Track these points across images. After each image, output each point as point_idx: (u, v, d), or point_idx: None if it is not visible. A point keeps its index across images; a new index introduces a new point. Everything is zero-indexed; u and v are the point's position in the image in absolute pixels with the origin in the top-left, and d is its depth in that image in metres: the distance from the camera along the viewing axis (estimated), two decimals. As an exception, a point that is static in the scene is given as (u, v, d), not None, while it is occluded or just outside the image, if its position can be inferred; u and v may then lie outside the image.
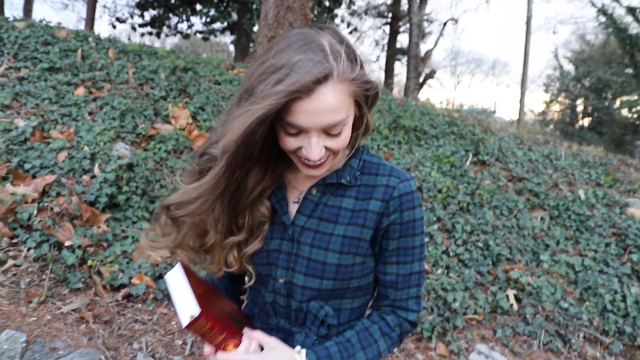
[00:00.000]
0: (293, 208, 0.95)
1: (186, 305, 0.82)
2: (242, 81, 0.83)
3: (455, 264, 3.23)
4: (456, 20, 19.16)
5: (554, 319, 2.88)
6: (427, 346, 2.50)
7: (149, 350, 2.02)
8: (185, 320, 0.80)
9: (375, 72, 0.95)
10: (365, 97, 0.85)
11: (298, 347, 0.88)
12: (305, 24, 6.03)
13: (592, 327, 2.87)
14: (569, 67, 25.60)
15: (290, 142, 0.82)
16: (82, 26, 15.27)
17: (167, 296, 2.43)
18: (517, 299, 3.02)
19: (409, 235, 0.92)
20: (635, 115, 20.51)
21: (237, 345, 0.86)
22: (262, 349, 0.88)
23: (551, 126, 26.00)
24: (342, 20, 16.81)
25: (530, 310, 2.90)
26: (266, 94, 0.75)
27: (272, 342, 0.88)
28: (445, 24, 18.66)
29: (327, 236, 0.90)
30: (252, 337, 0.88)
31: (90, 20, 14.42)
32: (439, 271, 3.11)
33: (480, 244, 3.43)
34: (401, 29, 17.72)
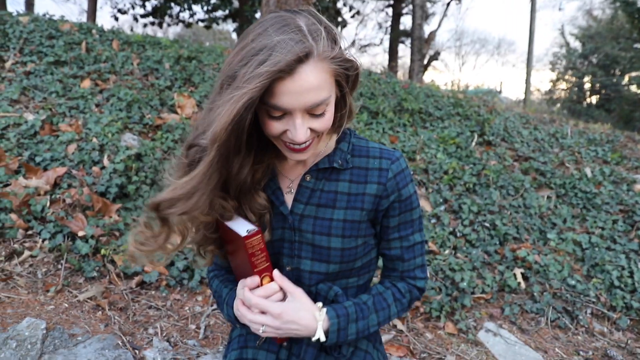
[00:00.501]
0: (289, 197, 0.96)
1: (243, 225, 0.89)
2: (222, 69, 0.82)
3: (463, 244, 3.26)
4: (460, 0, 18.89)
5: (562, 296, 2.91)
6: (435, 325, 2.54)
7: (164, 335, 2.08)
8: (243, 232, 0.84)
9: (355, 53, 0.97)
10: (346, 77, 0.85)
11: (319, 304, 0.91)
12: (281, 8, 6.02)
13: (600, 303, 2.90)
14: (576, 44, 25.20)
15: (274, 127, 0.82)
16: (84, 18, 15.26)
17: (180, 282, 2.49)
18: (525, 278, 3.05)
19: (407, 210, 0.96)
20: (644, 91, 20.21)
21: (271, 281, 0.90)
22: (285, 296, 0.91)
23: (558, 105, 25.71)
24: (345, 4, 16.65)
25: (538, 288, 2.93)
26: (249, 77, 0.74)
27: (297, 294, 0.90)
28: (448, 4, 18.42)
29: (327, 222, 0.93)
30: (282, 282, 0.91)
31: (92, 12, 14.38)
32: (447, 252, 3.14)
33: (487, 224, 3.45)
34: (404, 11, 17.51)
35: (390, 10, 18.67)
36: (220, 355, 1.97)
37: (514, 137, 4.97)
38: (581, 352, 2.50)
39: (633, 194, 4.17)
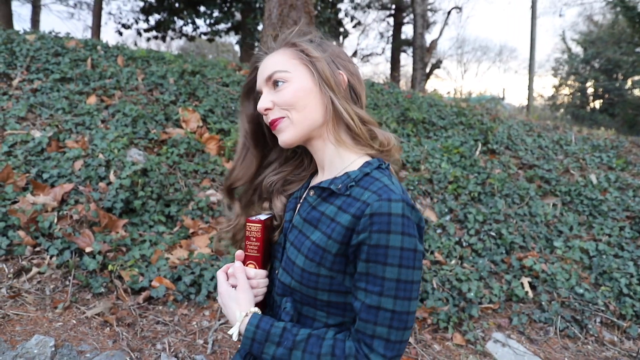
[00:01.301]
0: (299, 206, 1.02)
1: (262, 215, 1.03)
2: None
3: (469, 254, 3.25)
4: (460, 8, 18.99)
5: (570, 305, 2.89)
6: (443, 336, 2.53)
7: (172, 350, 2.08)
8: (251, 217, 1.01)
9: (357, 62, 1.04)
10: (314, 67, 0.94)
11: (255, 308, 0.92)
12: (283, 21, 6.07)
13: (609, 311, 2.88)
14: (577, 50, 25.22)
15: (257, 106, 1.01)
16: (88, 34, 15.45)
17: (187, 297, 2.49)
18: (532, 287, 3.03)
19: (378, 262, 0.80)
20: (648, 96, 20.17)
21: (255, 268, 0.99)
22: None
23: (561, 110, 25.66)
24: (346, 14, 16.74)
25: (546, 297, 2.91)
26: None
27: (241, 286, 0.95)
28: (449, 12, 18.52)
29: (304, 238, 0.91)
30: (237, 272, 0.97)
31: (96, 27, 14.55)
32: (453, 262, 3.13)
33: (493, 233, 3.45)
34: (405, 20, 17.62)
35: (391, 20, 18.79)
36: (228, 370, 1.97)
37: (517, 145, 4.97)
38: (591, 362, 2.49)
39: (639, 200, 4.15)
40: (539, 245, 3.44)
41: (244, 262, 0.98)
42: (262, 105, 0.95)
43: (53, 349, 1.83)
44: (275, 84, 0.94)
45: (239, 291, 0.93)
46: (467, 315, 2.69)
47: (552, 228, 3.68)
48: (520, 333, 2.67)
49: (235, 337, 0.90)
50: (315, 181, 1.04)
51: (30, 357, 1.77)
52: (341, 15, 16.19)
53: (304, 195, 1.02)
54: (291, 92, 0.93)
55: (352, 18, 17.23)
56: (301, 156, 1.09)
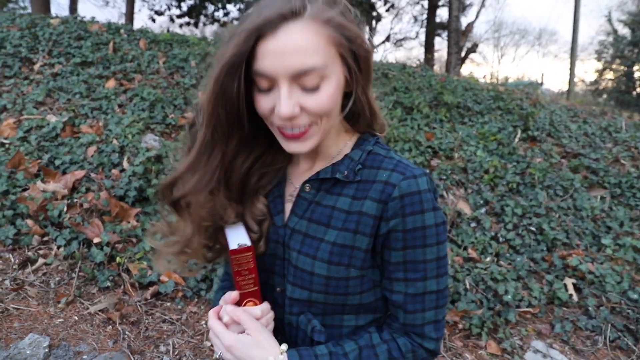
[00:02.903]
0: (288, 207, 0.83)
1: (240, 235, 0.79)
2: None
3: (506, 250, 2.97)
4: (499, -11, 18.13)
5: (622, 312, 2.58)
6: (476, 344, 2.28)
7: (176, 353, 1.92)
8: (233, 245, 0.75)
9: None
10: (352, 54, 0.70)
11: (284, 346, 0.74)
12: None
13: (666, 319, 2.55)
14: (625, 31, 23.84)
15: (262, 103, 0.71)
16: (122, 21, 15.61)
17: (197, 294, 2.33)
18: (577, 289, 2.74)
19: (417, 247, 0.74)
20: (702, 80, 18.94)
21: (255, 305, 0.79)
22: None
23: (604, 96, 24.46)
24: (381, -4, 16.28)
25: (593, 302, 2.61)
26: (231, 41, 0.67)
27: (254, 329, 0.74)
28: (487, -7, 17.71)
29: (316, 242, 0.77)
30: (238, 315, 0.76)
31: (129, 14, 14.70)
32: (488, 259, 2.86)
33: (532, 228, 3.15)
34: (440, 3, 16.94)
35: (425, 3, 18.13)
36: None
37: (561, 132, 4.59)
38: (647, 379, 2.19)
39: (700, 193, 3.74)
40: (584, 243, 3.12)
41: (241, 302, 0.77)
42: (287, 111, 0.68)
43: (47, 349, 1.70)
44: (305, 82, 0.68)
45: (256, 334, 0.73)
46: (503, 320, 2.43)
47: (599, 223, 3.34)
48: (563, 342, 2.39)
49: None
50: (297, 172, 0.84)
51: (21, 359, 1.64)
52: (375, -3, 15.76)
53: (292, 192, 0.83)
54: (328, 97, 0.70)
55: (386, 1, 16.74)
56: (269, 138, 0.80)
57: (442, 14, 17.97)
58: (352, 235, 0.75)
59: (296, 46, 0.65)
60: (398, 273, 0.76)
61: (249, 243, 0.76)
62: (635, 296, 2.63)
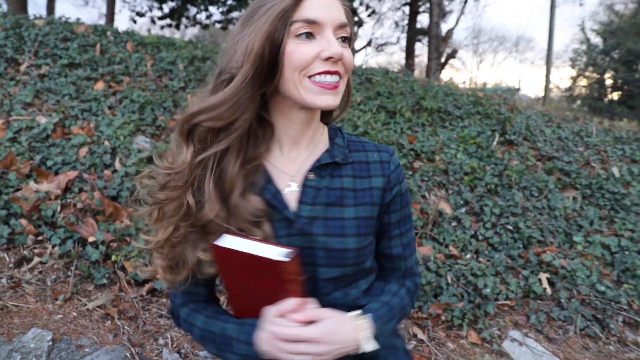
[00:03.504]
0: (290, 199, 0.86)
1: (270, 248, 0.76)
2: (238, 21, 0.83)
3: (485, 248, 3.13)
4: (477, -3, 18.56)
5: (591, 303, 2.76)
6: (458, 334, 2.42)
7: (175, 346, 2.01)
8: (279, 257, 0.73)
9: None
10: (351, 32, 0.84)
11: (355, 312, 0.83)
12: None
13: (632, 310, 2.74)
14: (597, 40, 24.60)
15: (305, 51, 0.77)
16: (102, 22, 15.45)
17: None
18: (551, 283, 2.90)
19: (406, 205, 0.95)
20: (669, 87, 19.68)
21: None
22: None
23: (578, 102, 25.16)
24: (361, 3, 16.49)
25: (565, 294, 2.78)
26: None
27: (326, 313, 0.79)
28: (466, 1, 18.11)
29: (339, 221, 0.85)
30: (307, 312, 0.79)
31: (110, 15, 14.55)
32: (468, 256, 3.01)
33: (510, 227, 3.31)
34: (421, 9, 17.26)
35: (407, 9, 18.44)
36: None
37: (536, 136, 4.80)
38: (614, 364, 2.36)
39: (664, 194, 3.97)
40: (558, 240, 3.31)
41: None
42: (339, 49, 0.76)
43: (50, 343, 1.77)
44: (341, 34, 0.80)
45: (333, 315, 0.79)
46: (482, 312, 2.57)
47: (571, 222, 3.54)
48: (538, 332, 2.55)
49: (375, 345, 0.82)
50: (284, 163, 0.87)
51: (25, 352, 1.71)
52: (356, 4, 15.95)
53: (288, 183, 0.86)
54: (351, 55, 0.82)
55: (367, 6, 16.95)
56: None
57: (423, 20, 18.30)
58: (370, 207, 0.88)
59: (336, 4, 0.79)
60: (395, 230, 0.94)
61: (289, 249, 0.75)
62: (602, 288, 2.81)
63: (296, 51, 0.77)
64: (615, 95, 23.55)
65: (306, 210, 0.85)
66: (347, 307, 0.86)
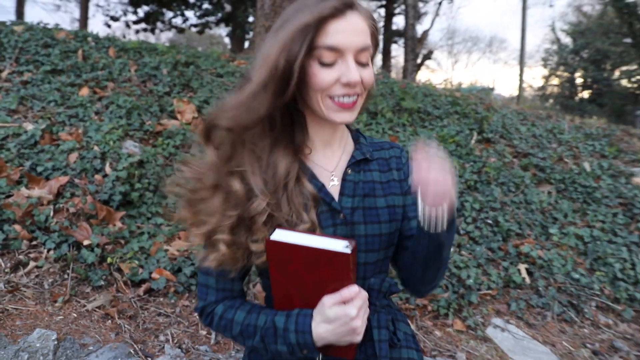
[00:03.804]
0: (333, 191, 0.94)
1: (327, 240, 0.79)
2: (270, 31, 0.88)
3: (467, 241, 3.27)
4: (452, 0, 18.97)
5: (566, 290, 2.93)
6: (444, 323, 2.55)
7: (175, 341, 2.08)
8: (341, 249, 0.77)
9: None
10: (375, 44, 0.90)
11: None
12: (276, 12, 5.96)
13: (604, 295, 2.92)
14: (567, 40, 25.33)
15: (325, 76, 0.83)
16: (75, 27, 15.21)
17: (188, 288, 2.48)
18: (529, 273, 3.07)
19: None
20: (635, 85, 20.40)
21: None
22: None
23: (551, 100, 25.85)
24: (337, 5, 16.65)
25: (543, 283, 2.95)
26: (303, 14, 0.81)
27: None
28: (440, 3, 18.49)
29: (374, 210, 0.96)
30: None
31: (83, 20, 14.35)
32: (452, 249, 3.15)
33: (489, 221, 3.47)
34: (396, 11, 17.56)
35: (382, 11, 18.71)
36: (233, 359, 1.97)
37: (512, 134, 5.00)
38: (588, 345, 2.52)
39: (631, 186, 4.21)
40: (535, 232, 3.48)
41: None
42: (357, 76, 0.82)
43: (56, 342, 1.82)
44: (361, 58, 0.84)
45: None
46: (466, 301, 2.71)
47: (547, 215, 3.72)
48: (518, 318, 2.71)
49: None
50: (323, 161, 0.96)
51: (32, 351, 1.76)
52: (332, 6, 16.09)
53: (330, 179, 0.95)
54: (372, 72, 0.88)
55: (344, 9, 17.12)
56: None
57: (399, 22, 18.61)
58: (396, 197, 0.99)
59: (360, 27, 0.83)
60: (412, 212, 1.01)
61: (346, 241, 0.80)
62: (577, 276, 2.98)
63: (318, 75, 0.83)
64: (585, 94, 24.30)
65: (348, 201, 0.94)
66: (383, 294, 0.97)
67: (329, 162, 0.96)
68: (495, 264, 3.14)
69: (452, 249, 1.06)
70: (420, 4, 17.42)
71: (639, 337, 2.63)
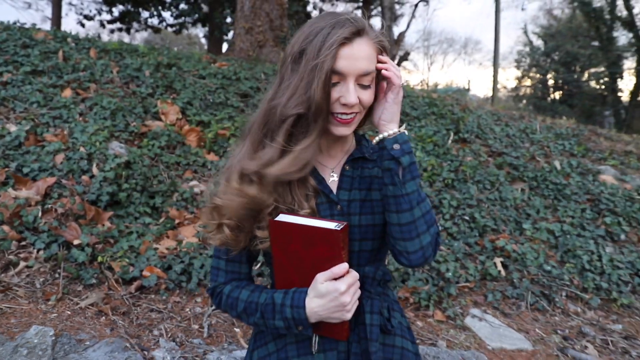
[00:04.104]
0: (332, 185, 1.04)
1: (323, 222, 0.90)
2: (286, 52, 0.96)
3: (445, 237, 3.42)
4: (427, 1, 19.31)
5: (539, 281, 3.10)
6: (425, 314, 2.68)
7: (169, 335, 2.14)
8: (331, 226, 0.87)
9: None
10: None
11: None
12: (256, 13, 6.15)
13: (573, 285, 3.10)
14: (539, 43, 26.05)
15: (331, 93, 0.93)
16: (47, 26, 14.89)
17: (178, 285, 2.55)
18: (504, 266, 3.23)
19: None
20: (603, 87, 21.14)
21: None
22: None
23: (524, 101, 26.53)
24: (315, 7, 16.77)
25: (517, 275, 3.11)
26: (322, 48, 0.89)
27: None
28: (416, 5, 18.79)
29: (369, 202, 1.03)
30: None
31: (56, 18, 14.06)
32: (432, 210, 3.28)
33: (466, 217, 3.63)
34: (373, 13, 17.77)
35: (359, 13, 18.91)
36: (226, 351, 2.05)
37: (487, 134, 5.20)
38: (559, 331, 2.69)
39: (598, 183, 4.44)
40: (509, 228, 3.65)
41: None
42: (354, 99, 0.91)
43: (53, 337, 1.87)
44: (363, 81, 0.93)
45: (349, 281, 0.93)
46: (446, 293, 2.85)
47: (521, 211, 3.90)
48: (495, 308, 2.86)
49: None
50: (326, 159, 1.06)
51: (31, 347, 1.80)
52: (309, 8, 16.20)
53: (330, 174, 1.05)
54: (372, 94, 0.96)
55: (321, 10, 17.27)
56: None
57: (375, 24, 18.80)
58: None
59: (364, 54, 0.91)
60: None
61: (339, 223, 0.89)
62: (549, 268, 3.16)
63: None
64: (557, 95, 25.04)
65: (345, 194, 1.03)
66: (377, 282, 1.04)
67: (331, 161, 1.07)
68: (472, 258, 3.29)
69: (432, 209, 1.08)
70: (397, 6, 17.69)
71: (604, 322, 2.81)
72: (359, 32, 0.91)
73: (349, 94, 0.91)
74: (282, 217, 0.93)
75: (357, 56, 0.91)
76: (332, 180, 1.05)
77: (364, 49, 0.92)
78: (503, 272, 3.15)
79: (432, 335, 2.49)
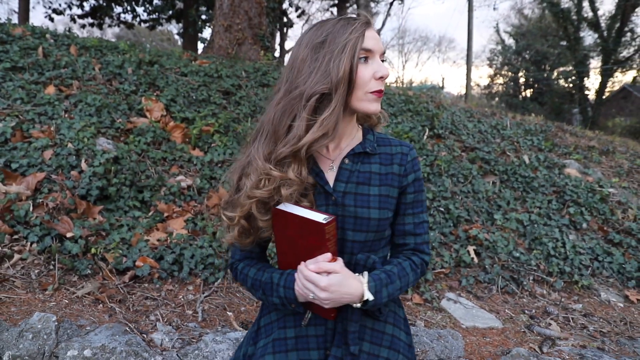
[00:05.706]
0: (330, 177, 1.11)
1: (316, 214, 0.99)
2: (300, 48, 1.06)
3: (422, 227, 3.61)
4: (402, 0, 19.62)
5: (508, 267, 3.33)
6: (404, 297, 2.87)
7: (166, 320, 2.26)
8: (320, 219, 0.96)
9: None
10: None
11: (365, 275, 1.03)
12: (234, 11, 6.33)
13: (540, 270, 3.35)
14: (510, 42, 26.72)
15: (366, 70, 1.04)
16: (14, 20, 14.49)
17: (170, 274, 2.66)
18: (477, 253, 3.45)
19: (420, 191, 1.16)
20: (571, 85, 21.88)
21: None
22: None
23: (497, 99, 27.21)
24: (291, 4, 16.84)
25: (489, 262, 3.33)
26: (347, 33, 1.02)
27: (339, 268, 1.00)
28: (391, 3, 19.08)
29: (365, 196, 1.09)
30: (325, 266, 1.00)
31: (24, 12, 13.70)
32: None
33: (441, 209, 3.84)
34: (349, 10, 17.96)
35: (335, 10, 19.08)
36: (220, 333, 2.18)
37: (460, 130, 5.43)
38: (526, 311, 2.92)
39: (563, 176, 4.72)
40: (481, 218, 3.88)
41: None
42: (387, 70, 1.04)
43: (56, 323, 1.97)
44: (382, 58, 1.07)
45: (344, 272, 0.99)
46: (423, 279, 3.04)
47: (492, 203, 4.14)
48: (468, 292, 3.07)
49: (371, 297, 1.01)
50: (326, 152, 1.14)
51: (35, 331, 1.90)
52: (285, 5, 16.26)
53: (329, 167, 1.13)
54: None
55: (297, 8, 17.34)
56: None
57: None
58: (391, 188, 1.12)
59: (378, 37, 1.07)
60: (409, 210, 1.15)
61: (330, 216, 0.97)
62: (517, 255, 3.39)
63: (361, 71, 1.04)
64: (528, 93, 25.78)
65: (341, 186, 1.09)
66: (367, 269, 1.08)
67: (332, 153, 1.14)
68: (447, 247, 3.50)
69: (418, 271, 1.16)
70: (372, 4, 17.93)
71: (566, 302, 3.06)
72: (369, 22, 1.06)
73: (383, 67, 1.05)
74: (283, 206, 1.03)
75: (377, 37, 1.06)
76: (331, 172, 1.12)
77: (377, 36, 1.08)
78: (476, 259, 3.37)
79: (411, 317, 2.67)
